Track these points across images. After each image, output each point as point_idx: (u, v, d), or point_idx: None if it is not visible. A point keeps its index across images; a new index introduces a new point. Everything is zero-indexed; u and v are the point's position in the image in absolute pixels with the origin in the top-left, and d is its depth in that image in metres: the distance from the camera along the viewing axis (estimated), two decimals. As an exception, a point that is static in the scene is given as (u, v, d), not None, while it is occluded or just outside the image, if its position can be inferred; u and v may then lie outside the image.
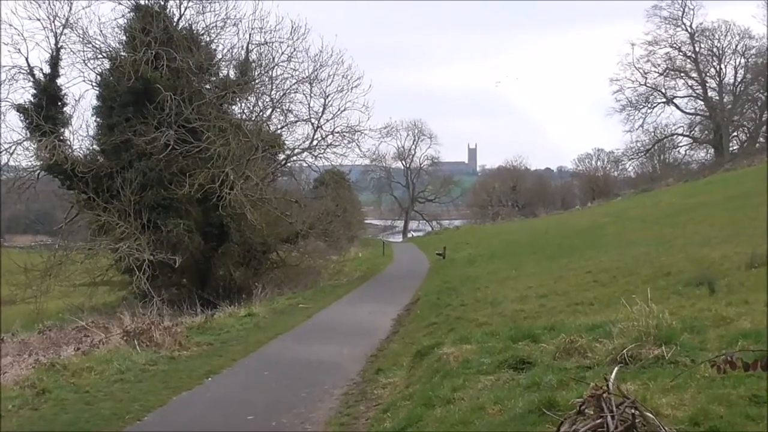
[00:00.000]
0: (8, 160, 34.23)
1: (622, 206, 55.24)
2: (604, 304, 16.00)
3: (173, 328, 18.56)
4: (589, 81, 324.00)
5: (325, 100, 36.97)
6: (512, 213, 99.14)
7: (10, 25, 32.56)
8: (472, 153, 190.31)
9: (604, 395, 6.02)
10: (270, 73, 36.48)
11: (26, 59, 33.56)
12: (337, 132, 37.64)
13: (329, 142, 37.84)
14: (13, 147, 33.31)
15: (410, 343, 16.87)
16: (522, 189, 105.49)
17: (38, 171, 34.36)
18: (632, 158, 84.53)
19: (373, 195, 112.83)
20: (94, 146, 35.22)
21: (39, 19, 33.38)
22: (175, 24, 35.16)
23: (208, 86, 35.87)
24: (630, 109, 77.25)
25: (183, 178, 32.14)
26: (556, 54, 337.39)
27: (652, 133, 79.67)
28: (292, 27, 36.04)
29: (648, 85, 77.14)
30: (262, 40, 36.28)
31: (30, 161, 34.38)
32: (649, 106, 77.46)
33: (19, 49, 33.62)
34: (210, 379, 14.18)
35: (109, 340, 17.64)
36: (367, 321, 22.52)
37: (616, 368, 7.15)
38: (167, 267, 31.99)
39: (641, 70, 76.68)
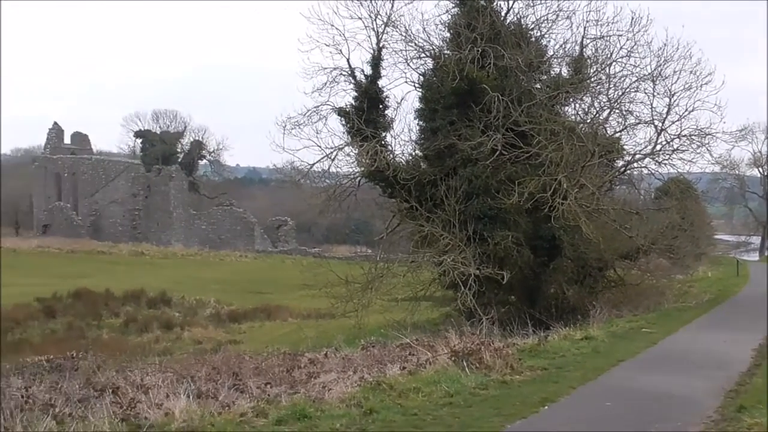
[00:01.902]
0: (329, 167, 36.36)
1: None
2: None
3: (504, 349, 18.91)
4: None
5: (670, 100, 35.65)
6: None
7: (332, 25, 34.60)
8: None
9: None
10: (607, 70, 35.85)
11: (348, 60, 35.42)
12: (684, 135, 36.34)
13: (675, 146, 36.54)
14: (335, 152, 35.28)
15: (779, 377, 16.12)
16: None
17: (359, 178, 36.27)
18: None
19: (724, 207, 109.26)
20: (417, 152, 36.48)
21: (360, 18, 35.12)
22: (502, 19, 35.63)
23: (538, 86, 35.83)
24: None
25: (511, 186, 32.27)
26: None
27: None
28: (632, 18, 34.94)
29: None
30: (598, 33, 35.69)
31: (351, 167, 36.32)
32: None
33: (340, 50, 35.03)
34: (546, 407, 14.29)
35: (435, 359, 18.30)
36: (722, 350, 21.74)
37: None
38: (494, 283, 32.49)
39: None
